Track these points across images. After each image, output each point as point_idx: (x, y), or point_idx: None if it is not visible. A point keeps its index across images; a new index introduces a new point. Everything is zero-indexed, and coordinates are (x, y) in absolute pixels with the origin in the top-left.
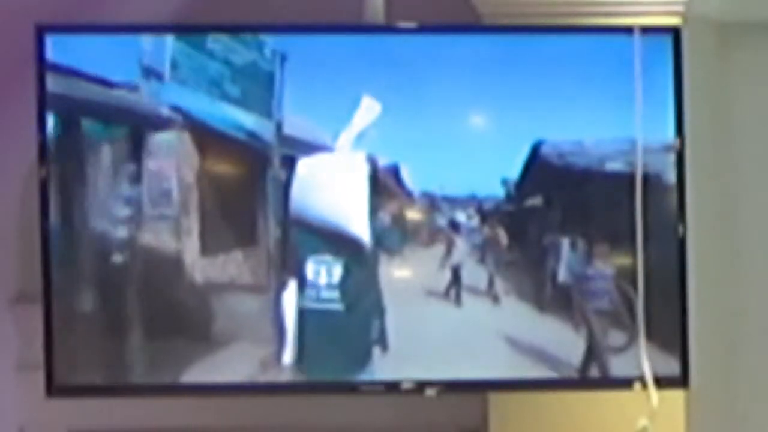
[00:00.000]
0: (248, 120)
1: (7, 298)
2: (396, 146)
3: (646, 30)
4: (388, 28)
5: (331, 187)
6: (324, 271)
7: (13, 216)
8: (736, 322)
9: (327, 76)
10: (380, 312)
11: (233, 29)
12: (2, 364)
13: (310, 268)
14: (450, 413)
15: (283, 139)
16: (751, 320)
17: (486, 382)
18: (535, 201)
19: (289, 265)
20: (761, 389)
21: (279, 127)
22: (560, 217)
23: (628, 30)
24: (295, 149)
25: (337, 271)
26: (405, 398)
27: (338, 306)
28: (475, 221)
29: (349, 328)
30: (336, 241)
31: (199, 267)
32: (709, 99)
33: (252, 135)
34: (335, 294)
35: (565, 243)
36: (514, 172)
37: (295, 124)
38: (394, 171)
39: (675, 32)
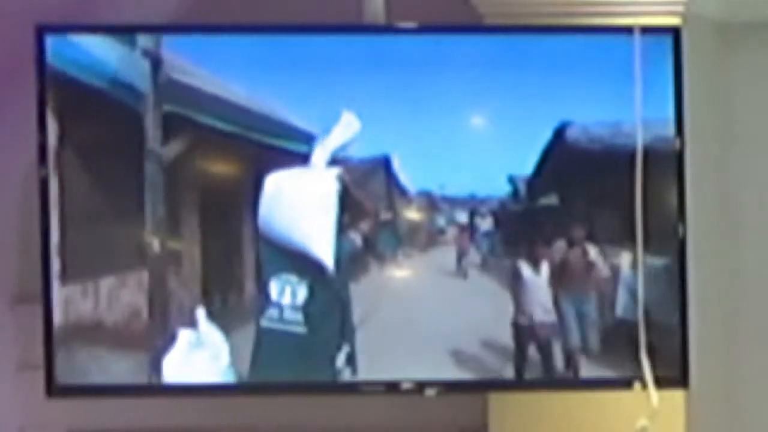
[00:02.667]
0: (108, 55)
1: (7, 298)
2: (394, 146)
3: (646, 30)
4: (388, 28)
5: (299, 205)
6: (288, 292)
7: (13, 216)
8: (736, 322)
9: (326, 76)
10: (350, 335)
11: (232, 29)
12: (2, 364)
13: (273, 288)
14: (450, 413)
15: (169, 87)
16: (751, 320)
17: (486, 382)
18: (551, 200)
19: (183, 305)
20: (761, 389)
21: (156, 66)
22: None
23: (628, 30)
24: (197, 109)
25: (302, 291)
26: (405, 398)
27: (301, 329)
28: (488, 223)
29: (311, 351)
30: (300, 262)
31: (58, 301)
32: (709, 99)
33: (115, 82)
34: (299, 316)
35: (625, 259)
36: (518, 170)
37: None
38: (389, 170)
39: (675, 32)
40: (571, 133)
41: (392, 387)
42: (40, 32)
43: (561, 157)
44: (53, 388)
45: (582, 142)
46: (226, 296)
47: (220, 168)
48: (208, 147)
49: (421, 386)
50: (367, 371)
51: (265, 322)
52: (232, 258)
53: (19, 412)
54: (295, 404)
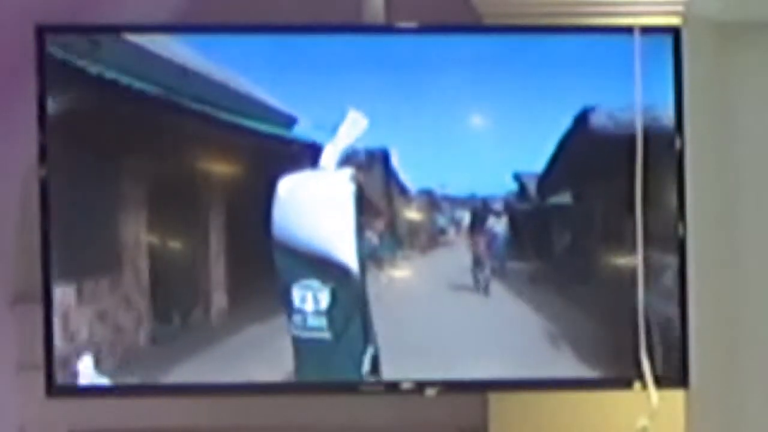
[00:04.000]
0: None
1: (7, 298)
2: (395, 145)
3: (646, 30)
4: (388, 28)
5: (315, 208)
6: (310, 298)
7: (13, 216)
8: (736, 322)
9: (327, 76)
10: (372, 338)
11: (232, 29)
12: (2, 364)
13: (295, 295)
14: (450, 413)
15: None
16: (751, 320)
17: (486, 382)
18: (565, 199)
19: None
20: (761, 389)
21: None
22: None
23: (628, 30)
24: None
25: (324, 297)
26: (405, 398)
27: (326, 334)
28: (503, 223)
29: (338, 356)
30: (322, 266)
31: None
32: (709, 99)
33: None
34: (323, 321)
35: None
36: (524, 167)
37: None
38: (390, 169)
39: (675, 32)
40: (583, 126)
41: (392, 387)
42: (40, 32)
43: (576, 151)
44: (53, 388)
45: (602, 130)
46: (186, 318)
47: (154, 145)
48: (123, 110)
49: (421, 386)
50: (391, 373)
51: (293, 331)
52: (191, 270)
53: (19, 412)
54: (294, 404)
